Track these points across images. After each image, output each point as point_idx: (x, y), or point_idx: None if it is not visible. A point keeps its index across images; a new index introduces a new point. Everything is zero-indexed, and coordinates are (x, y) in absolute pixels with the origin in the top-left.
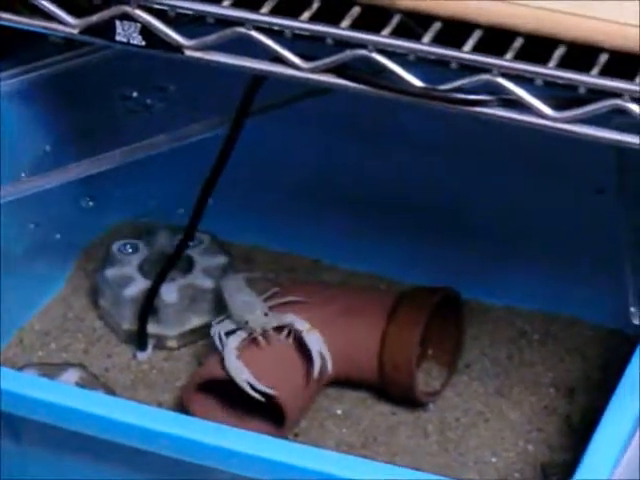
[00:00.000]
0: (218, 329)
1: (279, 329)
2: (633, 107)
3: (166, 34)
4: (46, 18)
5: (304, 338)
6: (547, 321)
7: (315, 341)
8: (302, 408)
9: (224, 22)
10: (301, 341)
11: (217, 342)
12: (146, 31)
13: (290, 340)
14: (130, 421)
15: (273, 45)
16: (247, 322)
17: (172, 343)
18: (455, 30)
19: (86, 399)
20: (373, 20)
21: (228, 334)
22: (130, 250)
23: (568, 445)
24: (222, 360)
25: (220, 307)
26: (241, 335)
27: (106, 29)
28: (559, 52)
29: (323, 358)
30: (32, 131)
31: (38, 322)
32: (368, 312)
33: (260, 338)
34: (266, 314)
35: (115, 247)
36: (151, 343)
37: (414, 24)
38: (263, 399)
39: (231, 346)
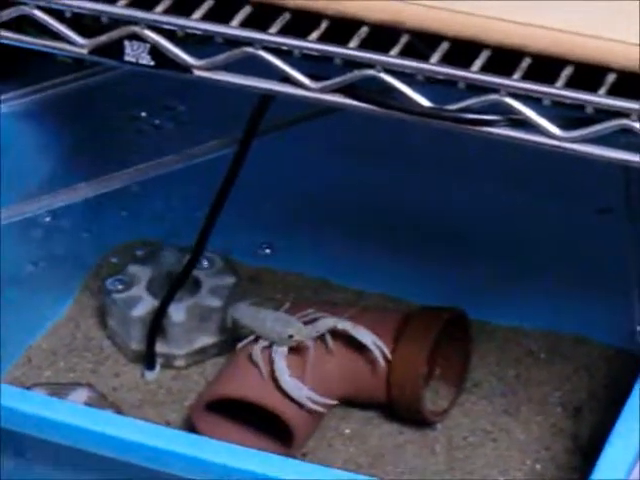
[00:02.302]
0: (252, 349)
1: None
2: None
3: (175, 54)
4: (55, 38)
5: (354, 334)
6: (554, 340)
7: (365, 334)
8: (310, 427)
9: (233, 42)
10: (348, 340)
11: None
12: (155, 51)
13: (336, 342)
14: (138, 440)
15: (282, 65)
16: (291, 336)
17: (180, 362)
18: (463, 50)
19: (94, 418)
20: (381, 40)
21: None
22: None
23: (576, 464)
24: (275, 381)
25: (227, 327)
26: (283, 352)
27: (115, 49)
28: (567, 72)
29: (379, 347)
30: (41, 151)
31: (46, 341)
32: (376, 332)
33: (311, 347)
34: (305, 323)
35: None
36: (159, 362)
37: (422, 44)
38: (325, 410)
39: (280, 364)
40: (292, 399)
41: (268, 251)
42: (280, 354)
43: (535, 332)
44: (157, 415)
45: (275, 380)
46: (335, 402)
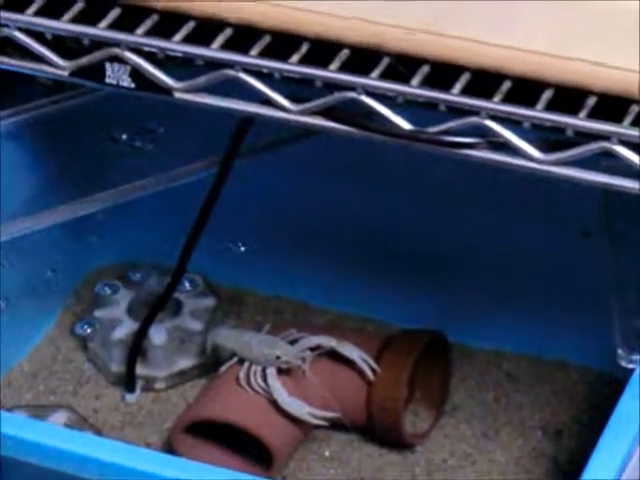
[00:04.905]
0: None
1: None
2: (621, 150)
3: (155, 76)
4: (36, 60)
5: (340, 350)
6: (534, 364)
7: (351, 349)
8: (290, 449)
9: (213, 64)
10: (327, 363)
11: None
12: (136, 73)
13: (314, 366)
14: (118, 462)
15: (262, 87)
16: (279, 357)
17: (160, 385)
18: (443, 73)
19: (74, 440)
20: (362, 63)
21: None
22: (109, 291)
23: None
24: (273, 402)
25: (207, 349)
26: (272, 372)
27: (96, 71)
28: (547, 95)
29: (366, 360)
30: (20, 173)
31: (27, 364)
32: None
33: (303, 365)
34: (291, 343)
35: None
36: (139, 385)
37: (403, 67)
38: (328, 424)
39: (276, 385)
40: (289, 419)
41: (248, 273)
42: (272, 375)
43: (515, 355)
44: (137, 437)
45: (273, 402)
46: (337, 414)
